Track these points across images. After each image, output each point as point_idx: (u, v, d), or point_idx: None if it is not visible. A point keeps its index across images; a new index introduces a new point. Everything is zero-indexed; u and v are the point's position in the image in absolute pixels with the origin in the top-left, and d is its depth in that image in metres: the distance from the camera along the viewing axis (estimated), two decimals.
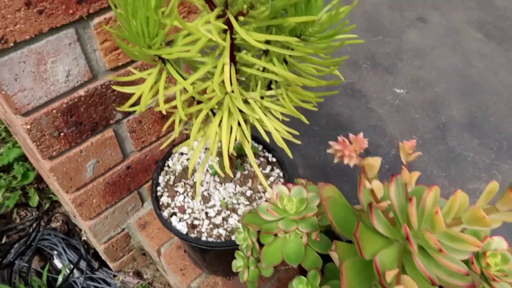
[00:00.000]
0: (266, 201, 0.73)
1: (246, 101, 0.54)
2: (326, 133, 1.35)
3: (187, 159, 0.80)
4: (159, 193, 0.75)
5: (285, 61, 0.55)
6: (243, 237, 0.56)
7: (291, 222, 0.52)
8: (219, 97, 0.49)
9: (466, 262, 0.40)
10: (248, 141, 0.55)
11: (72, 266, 1.09)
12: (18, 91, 0.58)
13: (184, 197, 0.74)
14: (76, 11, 0.58)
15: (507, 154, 1.31)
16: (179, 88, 0.47)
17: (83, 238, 1.15)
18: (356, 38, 0.51)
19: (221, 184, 0.75)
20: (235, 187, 0.74)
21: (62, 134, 0.68)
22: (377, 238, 0.39)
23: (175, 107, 0.52)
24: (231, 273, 0.83)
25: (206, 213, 0.72)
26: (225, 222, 0.70)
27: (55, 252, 1.12)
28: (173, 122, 0.57)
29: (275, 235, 0.53)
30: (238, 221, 0.70)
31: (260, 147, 0.82)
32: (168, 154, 0.81)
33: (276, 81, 0.56)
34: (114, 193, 0.88)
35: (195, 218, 0.71)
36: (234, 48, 0.49)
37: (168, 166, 0.80)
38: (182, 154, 0.81)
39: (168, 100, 0.52)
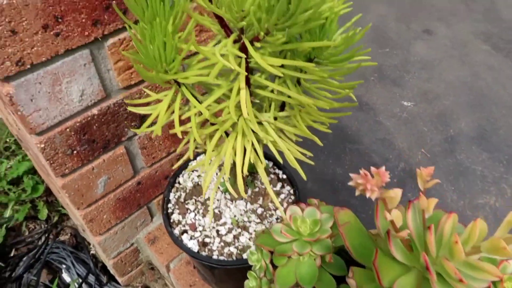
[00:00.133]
0: (277, 219, 0.73)
1: (259, 122, 0.55)
2: (334, 146, 1.35)
3: (198, 176, 0.80)
4: (170, 210, 0.75)
5: (298, 82, 0.55)
6: (257, 258, 0.56)
7: (305, 244, 0.52)
8: (234, 120, 0.50)
9: None
10: (261, 162, 0.56)
11: (80, 280, 1.09)
12: (33, 111, 0.59)
13: (195, 215, 0.74)
14: (92, 33, 0.59)
15: None
16: (194, 112, 0.47)
17: (92, 252, 1.15)
18: (365, 54, 0.51)
19: (232, 201, 0.75)
20: (246, 204, 0.74)
21: (75, 152, 0.69)
22: (395, 265, 0.39)
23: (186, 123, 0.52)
24: None
25: (217, 231, 0.72)
26: (236, 240, 0.70)
27: (64, 266, 1.12)
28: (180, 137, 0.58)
29: (289, 256, 0.53)
30: (249, 239, 0.70)
31: (270, 164, 0.82)
32: (178, 170, 0.81)
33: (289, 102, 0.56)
34: (124, 208, 0.88)
35: (206, 236, 0.71)
36: (248, 71, 0.50)
37: (179, 182, 0.80)
38: (192, 171, 0.82)
39: (181, 121, 0.52)
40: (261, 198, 0.76)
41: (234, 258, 0.68)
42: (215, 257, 0.68)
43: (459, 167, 1.31)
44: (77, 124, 0.66)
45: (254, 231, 0.71)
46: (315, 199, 0.60)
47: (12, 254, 1.17)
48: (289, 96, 0.52)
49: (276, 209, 0.75)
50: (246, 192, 0.76)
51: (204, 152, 0.86)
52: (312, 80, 0.54)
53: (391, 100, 1.52)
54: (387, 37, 1.79)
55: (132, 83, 0.70)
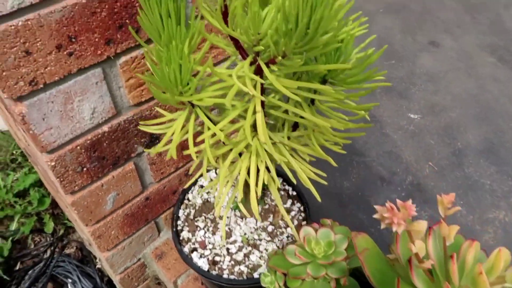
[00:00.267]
0: (288, 237, 0.72)
1: (273, 143, 0.54)
2: (341, 159, 1.34)
3: (207, 193, 0.80)
4: (179, 227, 0.75)
5: (312, 102, 0.55)
6: (270, 280, 0.55)
7: (320, 267, 0.51)
8: (249, 141, 0.49)
9: None
10: (275, 182, 0.55)
11: None
12: (45, 130, 0.59)
13: (205, 232, 0.73)
14: (104, 52, 0.59)
15: None
16: (208, 135, 0.47)
17: (98, 266, 1.14)
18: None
19: (242, 218, 0.74)
20: (256, 222, 0.74)
21: (84, 169, 0.68)
22: None
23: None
24: None
25: (227, 249, 0.71)
26: (246, 259, 0.70)
27: (70, 280, 1.11)
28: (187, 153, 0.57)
29: (303, 279, 0.52)
30: (260, 258, 0.69)
31: (280, 180, 0.82)
32: (187, 187, 0.81)
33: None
34: (132, 224, 0.87)
35: (216, 254, 0.70)
36: (263, 92, 0.49)
37: (188, 199, 0.79)
38: (201, 187, 0.81)
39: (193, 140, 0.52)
40: (271, 216, 0.75)
41: (245, 277, 0.67)
42: (225, 276, 0.68)
43: (467, 180, 1.30)
44: (88, 141, 0.66)
45: (265, 249, 0.70)
46: (328, 219, 0.59)
47: (17, 268, 1.16)
48: (301, 117, 0.51)
49: (286, 226, 0.74)
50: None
51: (214, 169, 0.86)
52: (327, 101, 0.54)
53: (397, 112, 1.51)
54: (392, 49, 1.79)
55: (143, 100, 0.69)
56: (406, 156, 1.37)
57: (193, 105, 0.51)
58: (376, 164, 1.34)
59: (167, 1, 0.40)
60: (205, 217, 0.76)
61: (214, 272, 0.68)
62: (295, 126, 0.58)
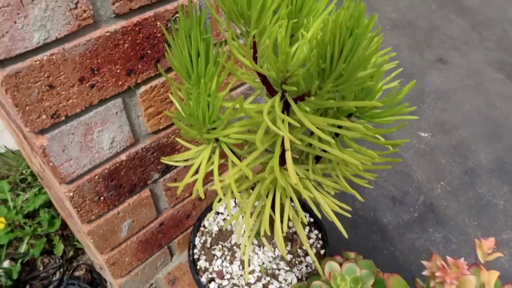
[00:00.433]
0: (307, 267, 0.71)
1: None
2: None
3: (224, 220, 0.78)
4: (196, 256, 0.74)
5: (336, 134, 0.54)
6: None
7: None
8: (275, 175, 0.48)
9: None
10: (298, 215, 0.54)
11: None
12: (64, 162, 0.58)
13: (222, 261, 0.72)
14: (125, 82, 0.58)
15: None
16: (235, 172, 0.46)
17: None
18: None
19: (259, 247, 0.73)
20: (274, 250, 0.72)
21: (102, 198, 0.68)
22: None
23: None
24: None
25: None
26: None
27: None
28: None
29: None
30: None
31: None
32: (203, 214, 0.80)
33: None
34: (146, 250, 0.86)
35: (234, 285, 0.69)
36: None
37: (204, 226, 0.78)
38: (217, 213, 0.80)
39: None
40: (289, 244, 0.74)
41: None
42: None
43: (480, 201, 1.28)
44: (106, 171, 0.65)
45: (284, 279, 0.69)
46: (351, 252, 0.58)
47: None
48: (324, 151, 0.50)
49: (305, 255, 0.73)
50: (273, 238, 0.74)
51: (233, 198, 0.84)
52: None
53: (407, 130, 1.50)
54: (400, 67, 1.78)
55: (161, 127, 0.69)
56: (417, 175, 1.35)
57: (217, 139, 0.50)
58: (388, 184, 1.32)
59: (196, 41, 0.40)
60: (222, 245, 0.75)
61: None
62: (317, 157, 0.57)
